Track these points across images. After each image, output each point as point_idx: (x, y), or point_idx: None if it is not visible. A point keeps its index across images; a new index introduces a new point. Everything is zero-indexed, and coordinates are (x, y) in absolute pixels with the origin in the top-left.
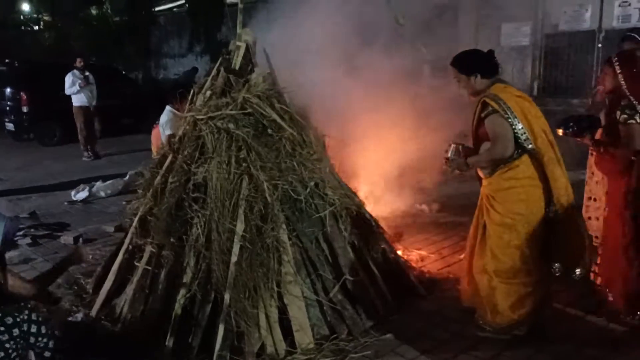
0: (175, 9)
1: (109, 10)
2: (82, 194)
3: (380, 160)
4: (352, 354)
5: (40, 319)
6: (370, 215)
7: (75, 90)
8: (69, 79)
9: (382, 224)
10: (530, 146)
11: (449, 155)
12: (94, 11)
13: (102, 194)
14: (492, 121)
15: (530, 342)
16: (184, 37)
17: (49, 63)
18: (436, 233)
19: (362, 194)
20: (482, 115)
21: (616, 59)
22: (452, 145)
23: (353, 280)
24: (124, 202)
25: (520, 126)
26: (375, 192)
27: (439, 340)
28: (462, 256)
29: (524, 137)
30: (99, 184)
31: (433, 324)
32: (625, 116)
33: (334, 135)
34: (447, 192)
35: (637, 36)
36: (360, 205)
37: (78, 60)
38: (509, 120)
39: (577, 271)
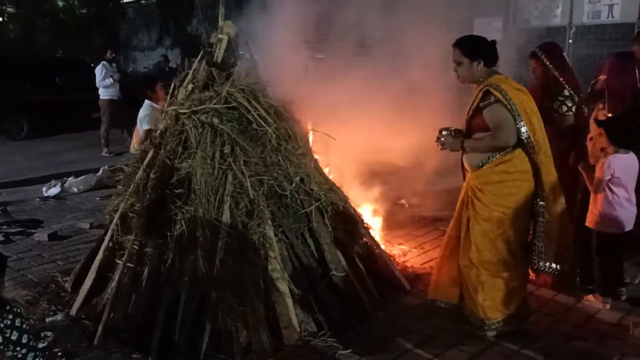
0: (143, 1)
1: (76, 2)
2: (54, 190)
3: (359, 154)
4: (340, 351)
5: (24, 326)
6: (355, 211)
7: (108, 82)
8: (100, 71)
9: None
10: (529, 140)
11: (444, 132)
12: (60, 3)
13: (75, 189)
14: (494, 110)
15: (516, 337)
16: (153, 29)
17: (14, 56)
18: (416, 228)
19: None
20: (481, 104)
21: (541, 51)
22: (447, 129)
23: (339, 276)
24: (97, 198)
25: (520, 119)
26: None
27: (426, 335)
28: None
29: (523, 129)
30: (71, 179)
31: (418, 318)
32: (566, 108)
33: (319, 129)
34: (426, 187)
35: None
36: (345, 201)
37: (109, 52)
38: (512, 112)
39: (563, 267)
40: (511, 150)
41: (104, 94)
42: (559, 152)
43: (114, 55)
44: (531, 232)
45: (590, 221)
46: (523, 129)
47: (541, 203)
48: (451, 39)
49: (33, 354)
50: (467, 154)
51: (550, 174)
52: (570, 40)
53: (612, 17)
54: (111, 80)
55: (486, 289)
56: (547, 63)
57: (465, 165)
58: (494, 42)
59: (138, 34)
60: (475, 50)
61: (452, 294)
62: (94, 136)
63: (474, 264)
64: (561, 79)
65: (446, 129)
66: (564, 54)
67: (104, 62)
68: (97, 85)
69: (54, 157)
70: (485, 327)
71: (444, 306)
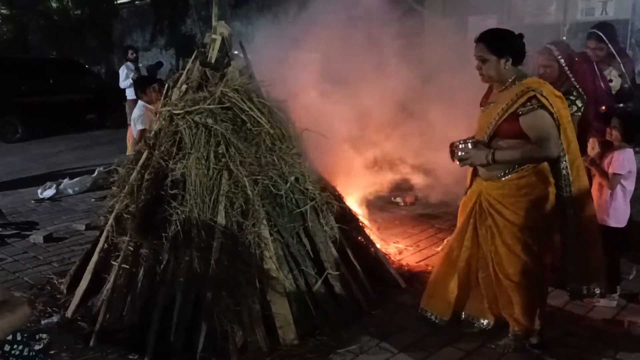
0: (137, 2)
1: (70, 3)
2: (50, 192)
3: (355, 153)
4: (336, 349)
5: None
6: (350, 209)
7: (129, 83)
8: (122, 72)
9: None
10: (563, 152)
11: (463, 146)
12: (53, 4)
13: (70, 191)
14: (539, 117)
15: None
16: (147, 30)
17: (8, 57)
18: (412, 226)
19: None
20: (522, 109)
21: (557, 51)
22: (465, 141)
23: (335, 275)
24: (93, 200)
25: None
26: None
27: (422, 334)
28: (439, 248)
29: (559, 140)
30: (66, 181)
31: (414, 316)
32: (576, 108)
33: (313, 129)
34: (421, 185)
35: (602, 34)
36: (340, 199)
37: (130, 52)
38: (556, 120)
39: (596, 290)
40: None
41: (129, 94)
42: None
43: (135, 55)
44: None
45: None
46: (560, 140)
47: (572, 215)
48: (444, 38)
49: (27, 348)
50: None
51: (582, 187)
52: (564, 38)
53: (606, 14)
54: (131, 80)
55: (516, 301)
56: (563, 64)
57: (481, 174)
58: (521, 37)
59: (132, 35)
60: (503, 46)
61: (444, 310)
62: (89, 137)
63: (507, 276)
64: (573, 79)
65: (463, 141)
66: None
67: (127, 63)
68: (120, 86)
69: (48, 158)
70: (530, 338)
71: (434, 319)
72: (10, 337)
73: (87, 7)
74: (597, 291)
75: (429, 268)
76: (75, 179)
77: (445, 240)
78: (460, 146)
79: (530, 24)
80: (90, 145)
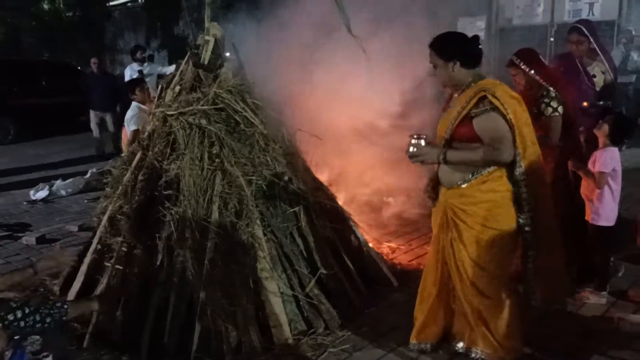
0: (129, 4)
1: (62, 5)
2: (42, 193)
3: (346, 153)
4: (330, 348)
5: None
6: (343, 209)
7: None
8: (127, 72)
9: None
10: (518, 156)
11: (415, 142)
12: (45, 6)
13: (63, 192)
14: (491, 119)
15: None
16: (140, 32)
17: (0, 59)
18: (403, 225)
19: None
20: (474, 112)
21: (518, 60)
22: (419, 136)
23: (328, 274)
24: (86, 201)
25: (513, 131)
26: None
27: None
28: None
29: (515, 144)
30: (59, 182)
31: (407, 315)
32: (551, 109)
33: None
34: (412, 185)
35: (583, 28)
36: (333, 199)
37: (139, 52)
38: (510, 122)
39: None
40: (499, 166)
41: None
42: (549, 153)
43: (144, 55)
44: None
45: (588, 216)
46: (515, 143)
47: (527, 229)
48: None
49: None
50: (443, 169)
51: (539, 195)
52: (552, 39)
53: (593, 15)
54: None
55: (490, 319)
56: (528, 70)
57: (443, 182)
58: (474, 39)
59: (124, 37)
60: (447, 49)
61: (436, 333)
62: (82, 139)
63: (466, 295)
64: (543, 82)
65: (416, 135)
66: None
67: (133, 64)
68: None
69: (41, 160)
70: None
71: (428, 349)
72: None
73: (79, 9)
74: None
75: (421, 267)
76: (68, 180)
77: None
78: (412, 141)
79: (518, 25)
80: (83, 146)
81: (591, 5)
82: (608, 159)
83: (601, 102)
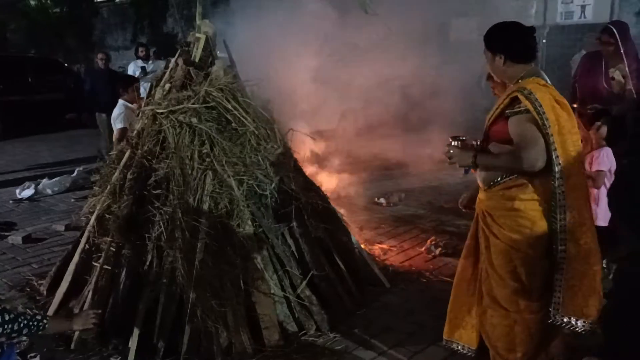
0: (117, 0)
1: (48, 2)
2: (28, 192)
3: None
4: (322, 350)
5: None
6: (335, 210)
7: None
8: (130, 68)
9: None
10: (559, 167)
11: (452, 143)
12: (32, 2)
13: (49, 191)
14: (521, 122)
15: None
16: (128, 28)
17: None
18: (395, 226)
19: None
20: (508, 111)
21: None
22: (456, 138)
23: (320, 275)
24: (72, 200)
25: (552, 140)
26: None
27: (407, 333)
28: (423, 249)
29: (554, 153)
30: (45, 181)
31: (399, 316)
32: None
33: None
34: (404, 186)
35: (614, 29)
36: (325, 200)
37: (140, 49)
38: (544, 129)
39: (584, 323)
40: (525, 174)
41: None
42: None
43: (144, 52)
44: None
45: None
46: (555, 153)
47: (561, 247)
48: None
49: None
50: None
51: (577, 213)
52: (544, 40)
53: (585, 17)
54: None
55: (497, 333)
56: None
57: (479, 182)
58: (528, 31)
59: (112, 33)
60: (493, 41)
61: (469, 337)
62: (68, 137)
63: (485, 302)
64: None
65: (455, 137)
66: None
67: (136, 60)
68: None
69: (27, 158)
70: None
71: (461, 350)
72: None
73: (66, 6)
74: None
75: (413, 268)
76: (54, 179)
77: (428, 241)
78: (452, 143)
79: None
80: (70, 144)
81: (583, 7)
82: (605, 158)
83: (595, 105)
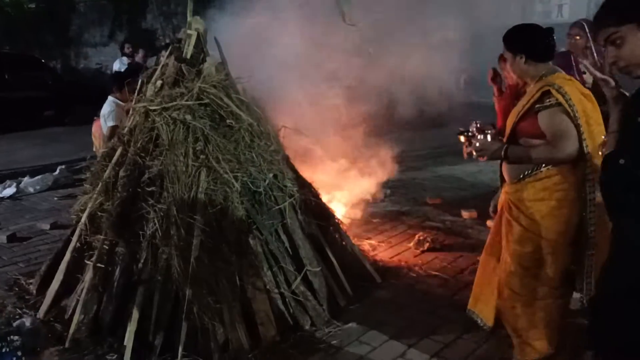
0: None
1: None
2: (10, 190)
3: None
4: (317, 345)
5: None
6: (328, 206)
7: None
8: (116, 65)
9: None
10: (589, 156)
11: (481, 137)
12: None
13: (31, 189)
14: (554, 115)
15: None
16: (106, 25)
17: None
18: (383, 222)
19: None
20: (538, 106)
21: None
22: (484, 130)
23: (314, 271)
24: (55, 198)
25: (582, 130)
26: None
27: (399, 327)
28: (411, 244)
29: (584, 142)
30: (26, 179)
31: (391, 311)
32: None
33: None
34: (389, 182)
35: (585, 25)
36: (317, 196)
37: (126, 46)
38: (575, 120)
39: None
40: (559, 165)
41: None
42: None
43: (130, 49)
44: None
45: None
46: (584, 143)
47: (591, 233)
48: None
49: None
50: (506, 164)
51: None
52: None
53: (562, 16)
54: None
55: (522, 322)
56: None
57: (505, 175)
58: (547, 32)
59: (90, 29)
60: (515, 42)
61: (488, 314)
62: (47, 134)
63: (505, 294)
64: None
65: (479, 129)
66: None
67: (122, 57)
68: None
69: (6, 156)
70: None
71: (480, 323)
72: None
73: (42, 1)
74: None
75: (402, 263)
76: (36, 177)
77: (416, 236)
78: (478, 137)
79: (489, 26)
80: (49, 142)
81: (560, 7)
82: None
83: None
